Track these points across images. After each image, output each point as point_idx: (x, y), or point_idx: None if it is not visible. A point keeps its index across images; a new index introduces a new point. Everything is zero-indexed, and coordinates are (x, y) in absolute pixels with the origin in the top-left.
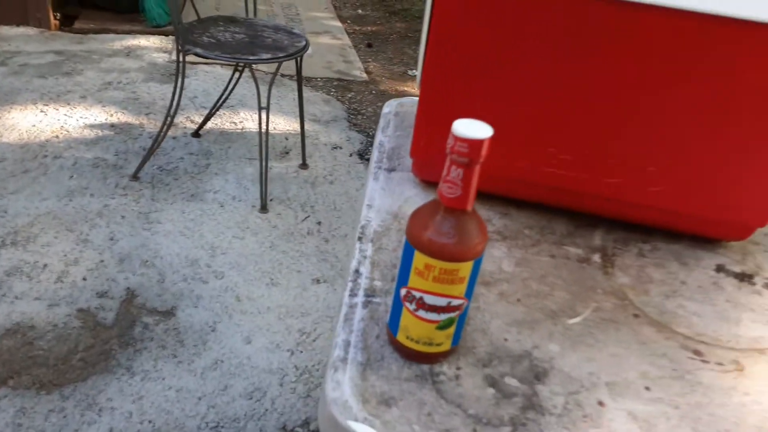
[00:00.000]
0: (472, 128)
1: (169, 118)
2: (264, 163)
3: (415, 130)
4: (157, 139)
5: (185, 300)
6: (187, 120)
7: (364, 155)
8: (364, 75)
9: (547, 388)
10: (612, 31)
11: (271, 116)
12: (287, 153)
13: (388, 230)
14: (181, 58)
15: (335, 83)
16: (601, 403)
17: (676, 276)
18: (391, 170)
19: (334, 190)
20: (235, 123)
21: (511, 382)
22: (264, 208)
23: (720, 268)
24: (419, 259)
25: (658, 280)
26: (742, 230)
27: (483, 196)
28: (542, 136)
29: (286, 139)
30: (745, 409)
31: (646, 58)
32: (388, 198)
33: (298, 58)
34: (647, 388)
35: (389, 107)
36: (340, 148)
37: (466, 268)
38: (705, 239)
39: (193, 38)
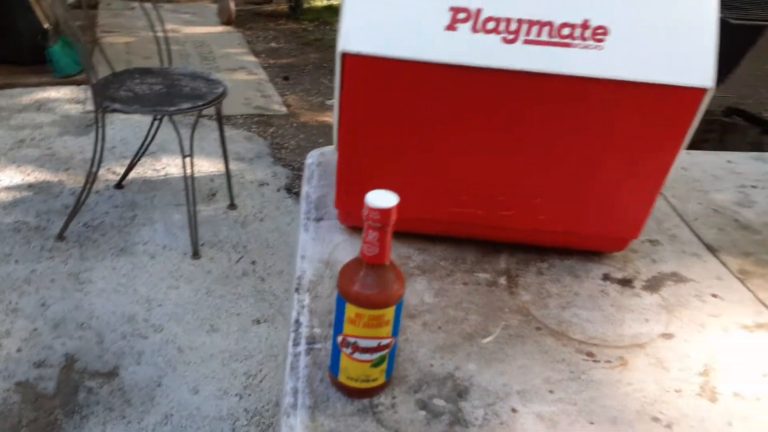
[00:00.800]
0: (382, 199)
1: (91, 176)
2: (192, 209)
3: (337, 186)
4: (81, 197)
5: (127, 358)
6: (108, 172)
7: (291, 189)
8: (284, 108)
9: (468, 403)
10: (495, 93)
11: (194, 159)
12: (214, 195)
13: (322, 278)
14: (99, 115)
15: (256, 119)
16: (513, 410)
17: (570, 288)
18: (319, 219)
19: (265, 228)
20: (157, 170)
21: (439, 402)
22: (196, 254)
23: (606, 277)
24: (350, 310)
25: (555, 293)
26: (620, 243)
27: (404, 235)
28: (447, 182)
29: (212, 180)
30: (628, 397)
31: (525, 115)
32: (319, 247)
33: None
34: (551, 391)
35: (312, 158)
36: (267, 184)
37: (390, 312)
38: (592, 253)
39: (111, 94)
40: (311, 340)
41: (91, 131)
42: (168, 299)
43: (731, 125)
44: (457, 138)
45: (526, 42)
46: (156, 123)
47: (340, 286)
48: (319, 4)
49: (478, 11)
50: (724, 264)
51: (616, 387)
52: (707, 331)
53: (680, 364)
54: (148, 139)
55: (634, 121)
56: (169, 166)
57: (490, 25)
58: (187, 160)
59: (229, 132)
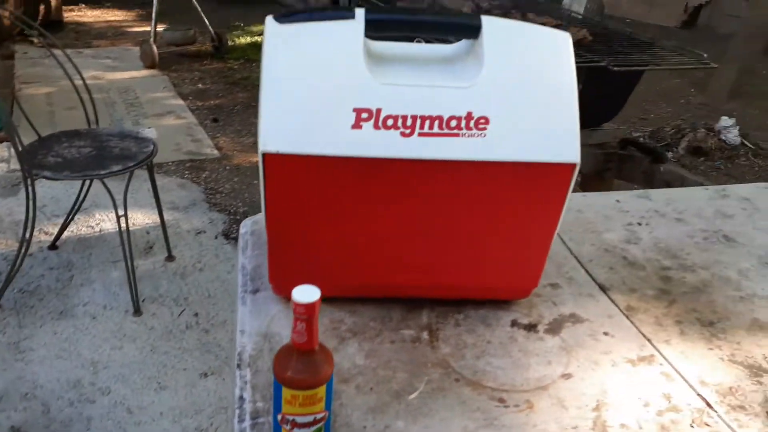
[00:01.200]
0: (306, 294)
1: (25, 243)
2: (129, 265)
3: (269, 264)
4: (15, 264)
5: (76, 425)
6: (41, 232)
7: (229, 235)
8: (216, 152)
9: None
10: (398, 179)
11: (128, 212)
12: (151, 247)
13: (261, 352)
14: (29, 183)
15: (188, 165)
16: None
17: (483, 337)
18: (255, 291)
19: (205, 278)
20: (92, 227)
21: None
22: (138, 311)
23: (514, 323)
24: (286, 392)
25: (470, 344)
26: (524, 292)
27: (336, 299)
28: (368, 253)
29: (148, 233)
30: None
31: (425, 195)
32: (257, 320)
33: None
34: None
35: (245, 227)
36: (204, 232)
37: (322, 390)
38: (502, 301)
39: (39, 161)
40: (255, 415)
41: (18, 191)
42: (113, 360)
43: (627, 156)
44: (371, 217)
45: (421, 135)
46: (87, 183)
47: (275, 372)
48: (243, 41)
49: (378, 111)
50: (614, 302)
51: (523, 430)
52: (600, 368)
53: (577, 402)
54: (80, 198)
55: (519, 195)
56: (103, 221)
57: (390, 122)
58: (122, 220)
59: (162, 180)
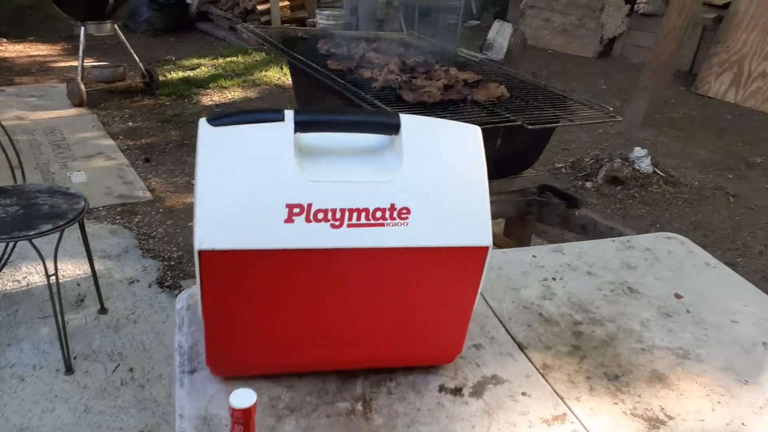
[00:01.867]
0: (242, 399)
1: None
2: (60, 320)
3: (206, 347)
4: None
5: None
6: None
7: (163, 283)
8: (148, 194)
9: None
10: (330, 267)
11: (58, 264)
12: (82, 300)
13: None
14: None
15: (119, 209)
16: None
17: (413, 404)
18: (193, 371)
19: (139, 330)
20: (18, 281)
21: None
22: (69, 370)
23: (441, 388)
24: None
25: (401, 413)
26: (449, 357)
27: (274, 376)
28: (303, 333)
29: (78, 284)
30: None
31: (356, 280)
32: (195, 402)
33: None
34: None
35: (181, 302)
36: (138, 281)
37: None
38: (430, 366)
39: None
40: None
41: None
42: (44, 424)
43: (545, 201)
44: (306, 303)
45: (350, 226)
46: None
47: None
48: (174, 76)
49: (309, 205)
50: (530, 361)
51: None
52: (518, 430)
53: None
54: (5, 257)
55: (440, 275)
56: (30, 274)
57: (320, 216)
58: (51, 270)
59: (92, 227)
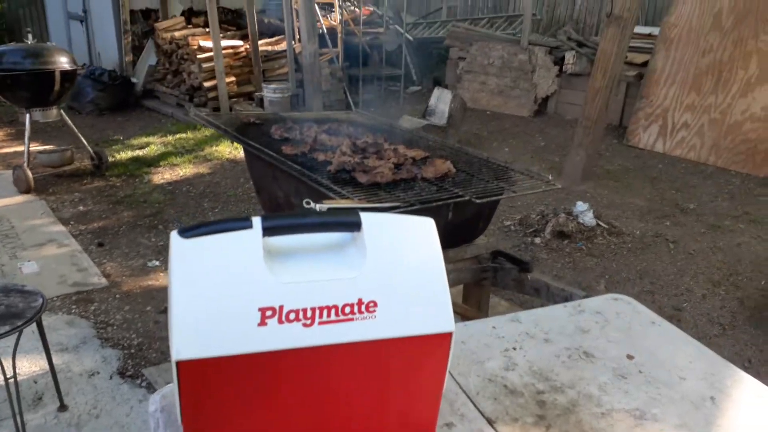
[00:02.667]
0: None
1: None
2: (18, 421)
3: None
4: None
5: None
6: None
7: (125, 373)
8: (104, 280)
9: None
10: (303, 365)
11: (15, 363)
12: (41, 398)
13: None
14: None
15: (74, 298)
16: None
17: None
18: None
19: (102, 425)
20: None
21: None
22: None
23: None
24: None
25: None
26: None
27: None
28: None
29: (35, 382)
30: None
31: (329, 375)
32: None
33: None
34: None
35: (154, 404)
36: (98, 372)
37: None
38: None
39: None
40: None
41: None
42: None
43: (499, 267)
44: (281, 403)
45: (321, 323)
46: None
47: None
48: (124, 156)
49: (281, 307)
50: None
51: None
52: None
53: None
54: None
55: (408, 363)
56: None
57: (292, 316)
58: (9, 372)
59: (48, 320)
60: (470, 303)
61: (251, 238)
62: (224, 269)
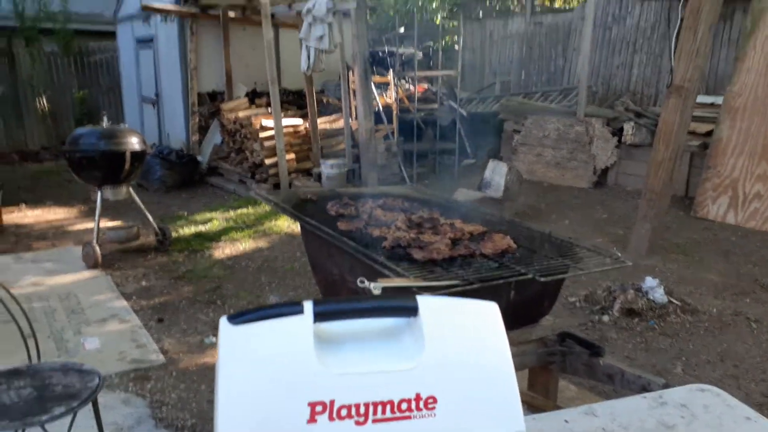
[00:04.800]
0: None
1: None
2: None
3: None
4: None
5: None
6: None
7: None
8: (161, 357)
9: None
10: None
11: None
12: None
13: None
14: None
15: (132, 375)
16: None
17: None
18: None
19: None
20: None
21: None
22: None
23: None
24: None
25: None
26: None
27: None
28: None
29: None
30: None
31: None
32: None
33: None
34: None
35: None
36: None
37: None
38: None
39: None
40: None
41: None
42: None
43: (567, 351)
44: None
45: (375, 421)
46: None
47: None
48: (187, 232)
49: (332, 402)
50: None
51: None
52: None
53: None
54: None
55: None
56: None
57: (344, 412)
58: None
59: (104, 398)
60: (536, 389)
61: (302, 324)
62: (273, 359)
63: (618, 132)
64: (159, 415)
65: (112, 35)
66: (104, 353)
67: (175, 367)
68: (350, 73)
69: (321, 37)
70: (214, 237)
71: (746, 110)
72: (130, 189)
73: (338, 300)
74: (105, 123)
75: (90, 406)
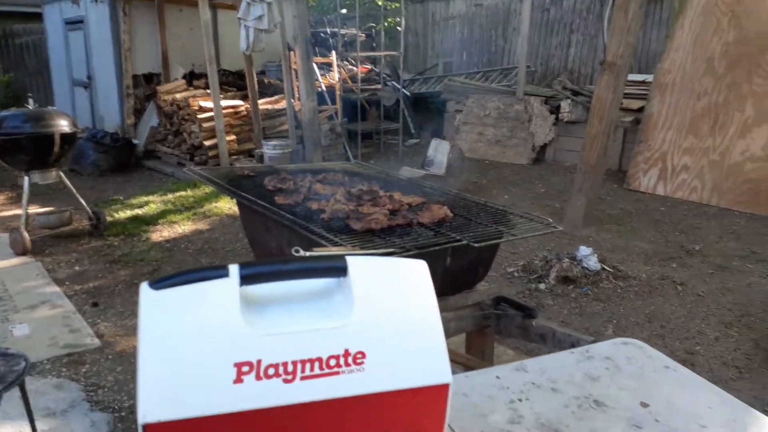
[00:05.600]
0: None
1: None
2: None
3: None
4: None
5: None
6: None
7: None
8: (96, 341)
9: None
10: (283, 426)
11: None
12: None
13: None
14: None
15: (65, 360)
16: None
17: None
18: None
19: None
20: None
21: None
22: None
23: None
24: None
25: None
26: None
27: None
28: None
29: None
30: None
31: None
32: None
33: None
34: None
35: None
36: None
37: None
38: None
39: None
40: None
41: None
42: None
43: (502, 314)
44: None
45: (303, 378)
46: None
47: None
48: (123, 215)
49: (259, 362)
50: None
51: None
52: None
53: None
54: None
55: (402, 418)
56: None
57: (271, 371)
58: None
59: (34, 384)
60: (473, 353)
61: (228, 287)
62: (197, 322)
63: (556, 110)
64: (94, 398)
65: (38, 17)
66: (34, 339)
67: (111, 350)
68: (291, 53)
69: (260, 17)
70: (152, 220)
71: (675, 86)
72: (61, 173)
73: (266, 262)
74: (31, 106)
75: (17, 391)
